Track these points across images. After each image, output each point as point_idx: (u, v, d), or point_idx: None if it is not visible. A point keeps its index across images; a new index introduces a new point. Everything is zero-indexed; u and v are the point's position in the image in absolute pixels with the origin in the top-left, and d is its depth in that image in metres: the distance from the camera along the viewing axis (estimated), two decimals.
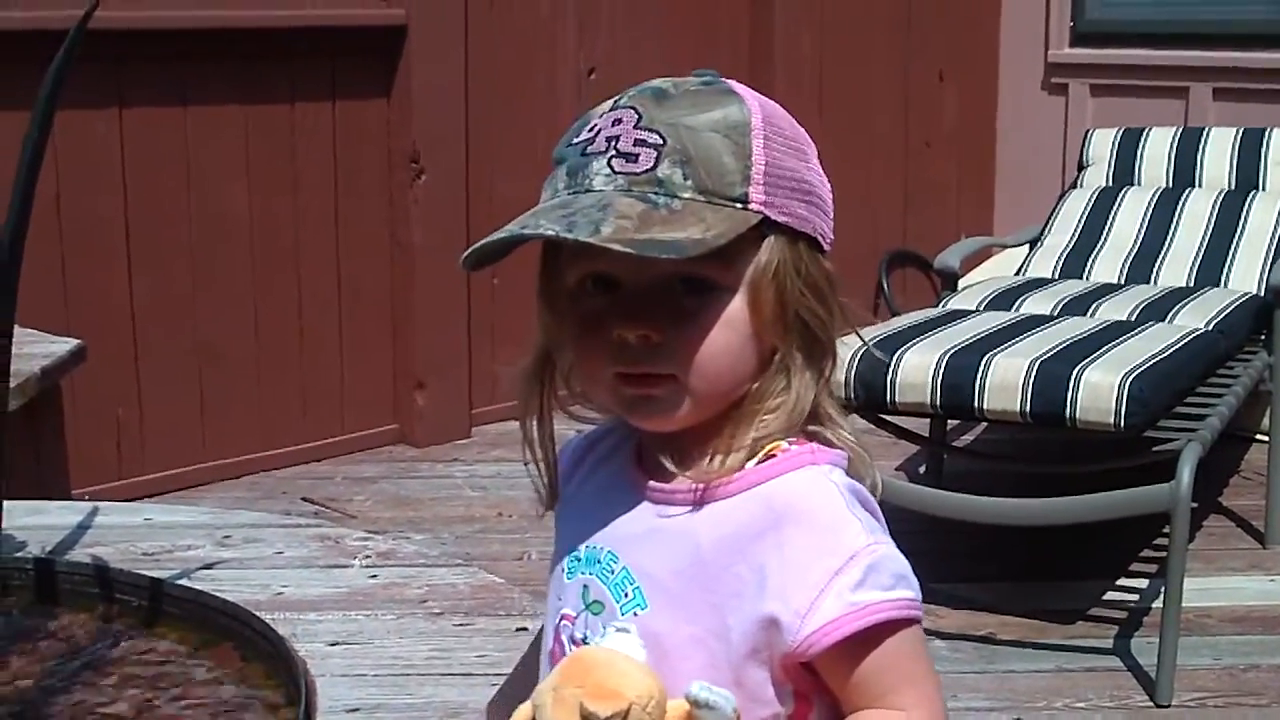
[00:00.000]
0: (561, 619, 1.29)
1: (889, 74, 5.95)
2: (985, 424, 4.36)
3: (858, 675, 1.20)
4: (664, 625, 1.22)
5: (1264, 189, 4.49)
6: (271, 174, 4.41)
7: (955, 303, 4.04)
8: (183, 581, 2.03)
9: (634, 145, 1.19)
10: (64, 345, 3.24)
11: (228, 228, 4.34)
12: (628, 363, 1.20)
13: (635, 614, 1.23)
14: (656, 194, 1.17)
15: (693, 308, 1.19)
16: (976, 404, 3.22)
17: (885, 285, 5.98)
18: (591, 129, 1.22)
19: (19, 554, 2.09)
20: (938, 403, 3.26)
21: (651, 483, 1.25)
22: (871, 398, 3.30)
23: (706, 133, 1.19)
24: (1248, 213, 4.40)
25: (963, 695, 3.04)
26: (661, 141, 1.18)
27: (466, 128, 4.73)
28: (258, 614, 1.90)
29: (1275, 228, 4.34)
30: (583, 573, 1.28)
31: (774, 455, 1.23)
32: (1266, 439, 3.96)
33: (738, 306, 1.19)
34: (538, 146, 4.94)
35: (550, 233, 1.16)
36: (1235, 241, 4.34)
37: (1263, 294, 4.05)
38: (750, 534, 1.20)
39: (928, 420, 3.87)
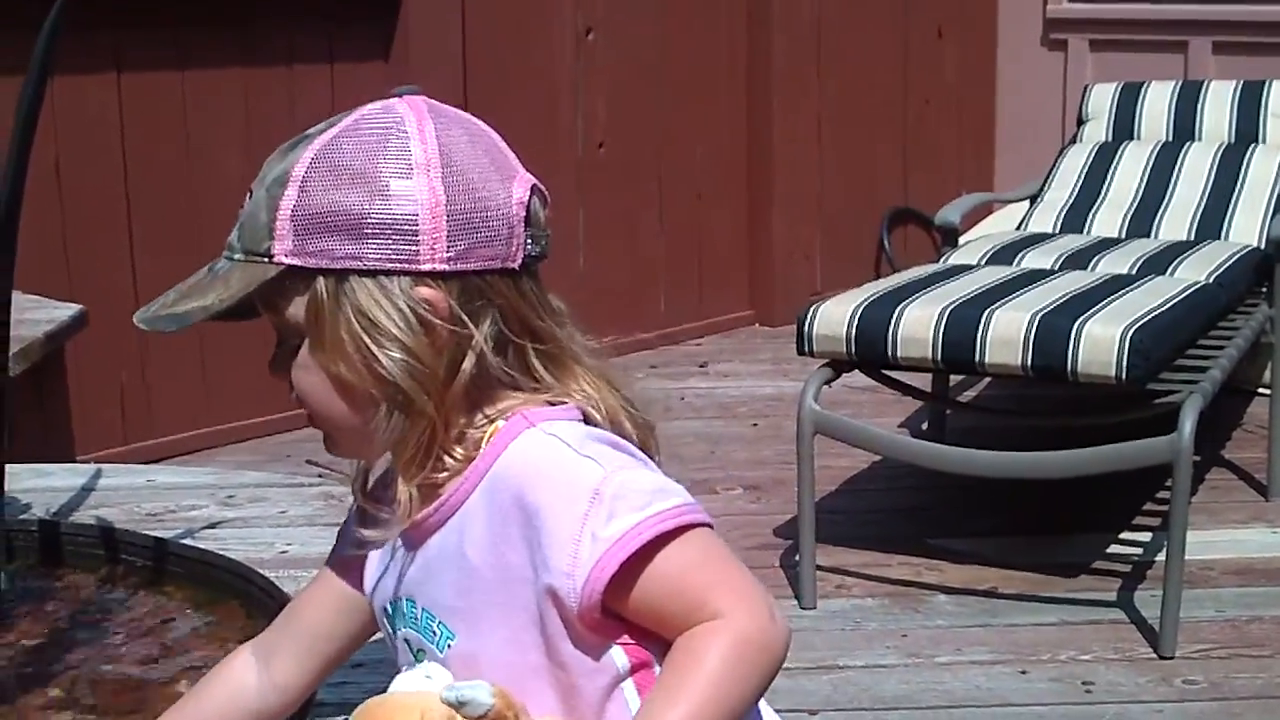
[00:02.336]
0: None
1: (888, 31, 5.93)
2: (987, 379, 4.37)
3: (654, 605, 1.17)
4: (476, 644, 1.24)
5: (1264, 142, 4.48)
6: (270, 138, 4.36)
7: (956, 258, 4.04)
8: (187, 541, 2.04)
9: (243, 205, 1.26)
10: (66, 310, 3.25)
11: (227, 191, 4.30)
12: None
13: (450, 646, 1.25)
14: (226, 256, 1.25)
15: (289, 356, 1.26)
16: (978, 358, 3.22)
17: (886, 242, 5.97)
18: None
19: (24, 516, 2.10)
20: (939, 358, 3.26)
21: (401, 520, 1.26)
22: (873, 353, 3.30)
23: (259, 191, 1.24)
24: (1248, 166, 4.39)
25: (966, 649, 3.05)
26: (248, 201, 1.25)
27: (465, 90, 4.72)
28: (262, 572, 1.91)
29: (1275, 181, 4.33)
30: (401, 628, 1.30)
31: (493, 438, 1.23)
32: (1268, 392, 3.96)
33: (304, 351, 1.24)
34: (536, 107, 4.94)
35: (138, 316, 1.27)
36: (1235, 195, 4.33)
37: (1263, 247, 4.04)
38: (499, 520, 1.20)
39: (929, 375, 3.88)
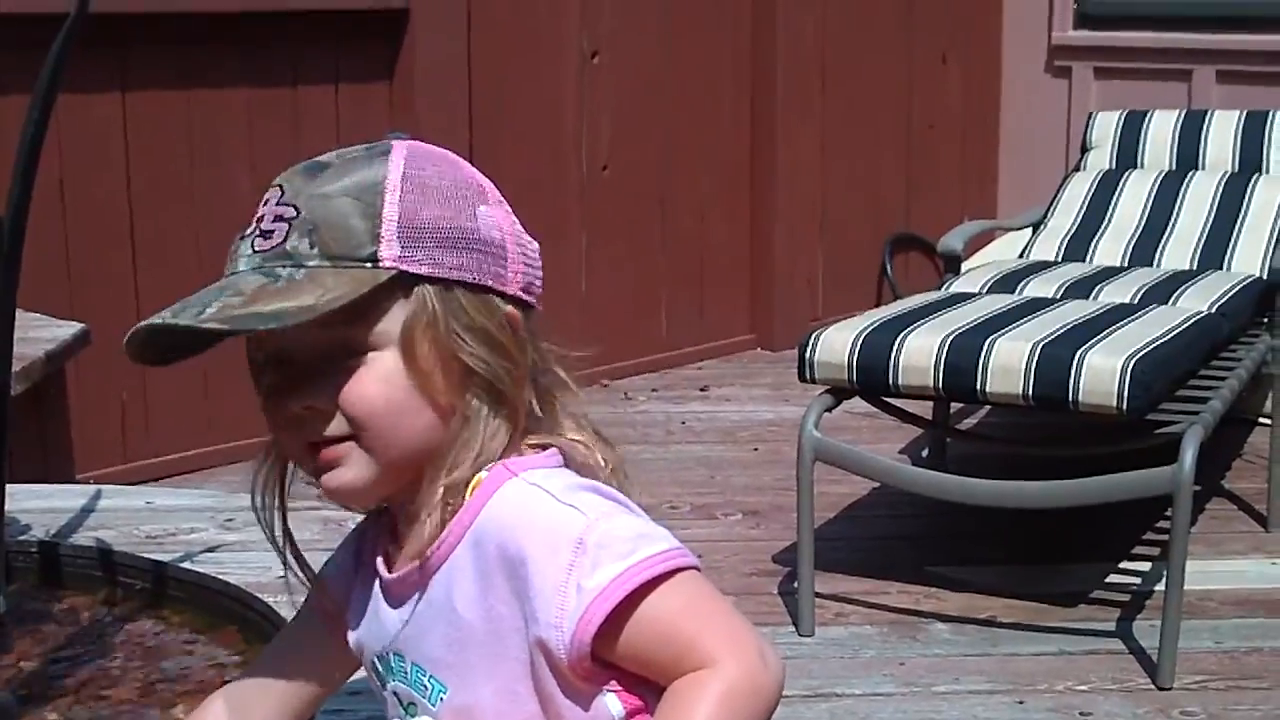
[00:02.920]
0: None
1: (892, 56, 5.94)
2: (988, 407, 4.36)
3: (644, 652, 1.16)
4: (469, 697, 1.22)
5: (1267, 172, 4.49)
6: (275, 157, 4.36)
7: (958, 286, 4.04)
8: (186, 564, 2.04)
9: (273, 222, 1.21)
10: (68, 329, 3.25)
11: (231, 211, 4.32)
12: (308, 433, 1.21)
13: (442, 699, 1.24)
14: (283, 267, 1.19)
15: (353, 370, 1.19)
16: (979, 387, 3.22)
17: (889, 268, 5.98)
18: (257, 214, 1.24)
19: (23, 537, 2.10)
20: (940, 386, 3.26)
21: (388, 576, 1.26)
22: (874, 381, 3.30)
23: (338, 199, 1.19)
24: (1251, 196, 4.40)
25: (964, 678, 3.04)
26: (295, 214, 1.20)
27: (470, 111, 4.73)
28: (260, 596, 1.91)
29: (1278, 211, 4.33)
30: (391, 681, 1.29)
31: (477, 488, 1.22)
32: (1269, 422, 3.96)
33: (392, 363, 1.19)
34: (541, 129, 4.94)
35: (158, 321, 1.19)
36: (1238, 224, 4.34)
37: (1265, 277, 4.04)
38: (486, 574, 1.19)
39: (930, 403, 3.88)
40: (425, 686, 1.25)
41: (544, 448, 1.25)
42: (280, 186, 1.23)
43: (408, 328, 1.19)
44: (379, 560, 1.28)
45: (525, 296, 1.24)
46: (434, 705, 1.25)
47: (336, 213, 1.19)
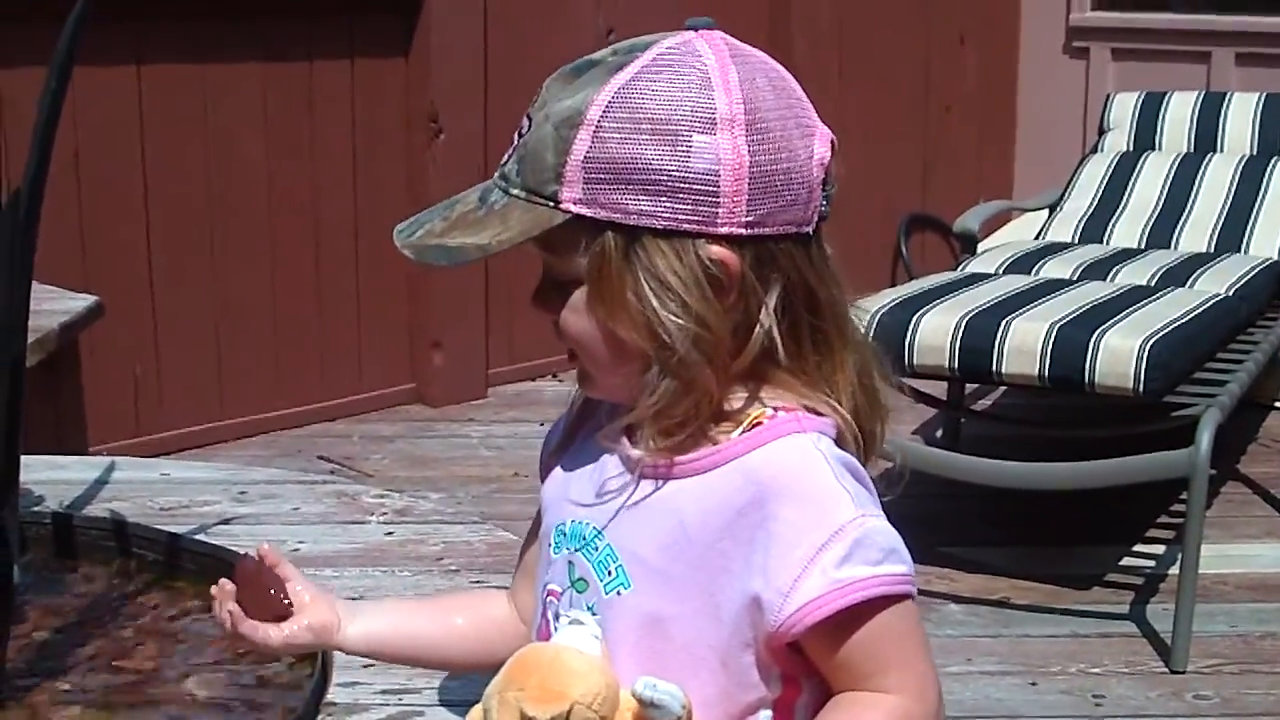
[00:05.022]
0: (548, 594, 1.27)
1: (909, 37, 5.91)
2: (1003, 388, 4.35)
3: (843, 655, 1.16)
4: (649, 604, 1.20)
5: None
6: (290, 133, 4.41)
7: (974, 266, 4.03)
8: (200, 537, 2.03)
9: (518, 132, 1.19)
10: (82, 302, 3.25)
11: (245, 186, 4.34)
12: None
13: (619, 593, 1.21)
14: (501, 187, 1.19)
15: (562, 296, 1.19)
16: (995, 367, 3.21)
17: (904, 249, 5.96)
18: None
19: (37, 508, 2.10)
20: (956, 366, 3.25)
21: (634, 454, 1.20)
22: (889, 360, 3.28)
23: (546, 125, 1.16)
24: (1269, 178, 4.37)
25: (977, 659, 3.04)
26: (527, 129, 1.18)
27: (485, 87, 4.71)
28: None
29: None
30: (568, 548, 1.25)
31: (760, 424, 1.18)
32: None
33: (582, 299, 1.18)
34: None
35: (398, 231, 1.21)
36: (1256, 207, 4.31)
37: None
38: (735, 508, 1.16)
39: (945, 383, 3.86)
40: (609, 572, 1.21)
41: (815, 411, 1.20)
42: (544, 88, 1.20)
43: (589, 271, 1.16)
44: (624, 439, 1.22)
45: (746, 233, 1.14)
46: (608, 593, 1.21)
47: (539, 140, 1.17)
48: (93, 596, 1.97)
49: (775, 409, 1.19)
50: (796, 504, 1.15)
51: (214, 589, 1.39)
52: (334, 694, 1.62)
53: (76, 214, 4.01)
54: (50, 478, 2.23)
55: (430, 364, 4.72)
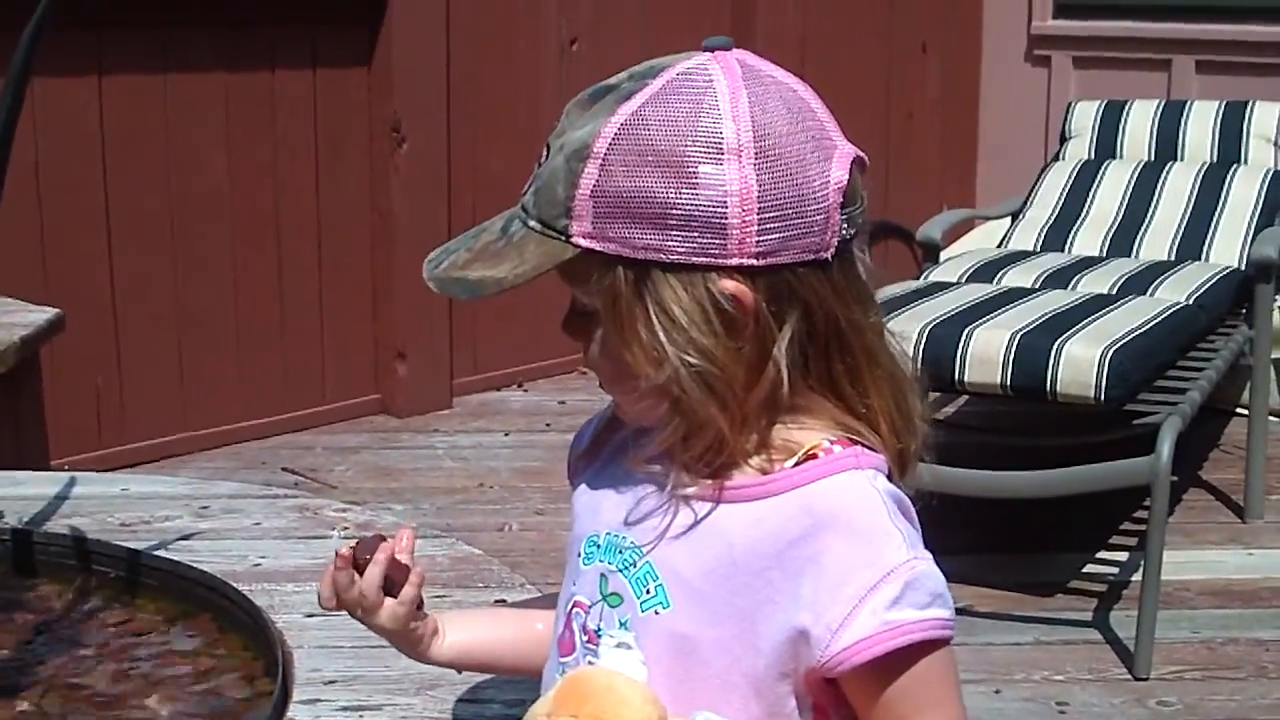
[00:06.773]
0: (574, 605, 1.26)
1: (872, 45, 5.93)
2: (966, 397, 4.36)
3: (885, 695, 1.16)
4: (687, 626, 1.18)
5: (1245, 163, 4.49)
6: (252, 142, 4.39)
7: (937, 275, 4.04)
8: (160, 552, 2.02)
9: (539, 161, 1.19)
10: (42, 314, 3.23)
11: (208, 196, 4.32)
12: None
13: (656, 611, 1.19)
14: (520, 218, 1.19)
15: (587, 327, 1.20)
16: (957, 376, 3.22)
17: (867, 256, 5.96)
18: None
19: None
20: (918, 375, 3.25)
21: (685, 476, 1.19)
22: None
23: (559, 157, 1.16)
24: (1229, 187, 4.40)
25: None
26: (545, 158, 1.18)
27: (448, 97, 4.71)
28: (235, 585, 1.90)
29: (1256, 202, 4.34)
30: (601, 560, 1.23)
31: (815, 456, 1.17)
32: (1246, 413, 3.97)
33: (601, 331, 1.18)
34: (519, 116, 4.92)
35: (428, 264, 1.22)
36: (1216, 215, 4.33)
37: (1243, 268, 4.05)
38: (787, 538, 1.15)
39: None
40: (648, 591, 1.20)
41: (860, 443, 1.19)
42: (565, 113, 1.19)
43: (605, 302, 1.16)
44: (655, 464, 1.21)
45: (759, 264, 1.13)
46: (644, 611, 1.20)
47: (552, 172, 1.16)
48: (52, 614, 1.96)
49: (834, 442, 1.18)
50: (850, 541, 1.15)
51: (343, 549, 1.37)
52: (295, 711, 1.61)
53: (37, 225, 3.98)
54: (9, 493, 2.21)
55: (395, 374, 4.71)
